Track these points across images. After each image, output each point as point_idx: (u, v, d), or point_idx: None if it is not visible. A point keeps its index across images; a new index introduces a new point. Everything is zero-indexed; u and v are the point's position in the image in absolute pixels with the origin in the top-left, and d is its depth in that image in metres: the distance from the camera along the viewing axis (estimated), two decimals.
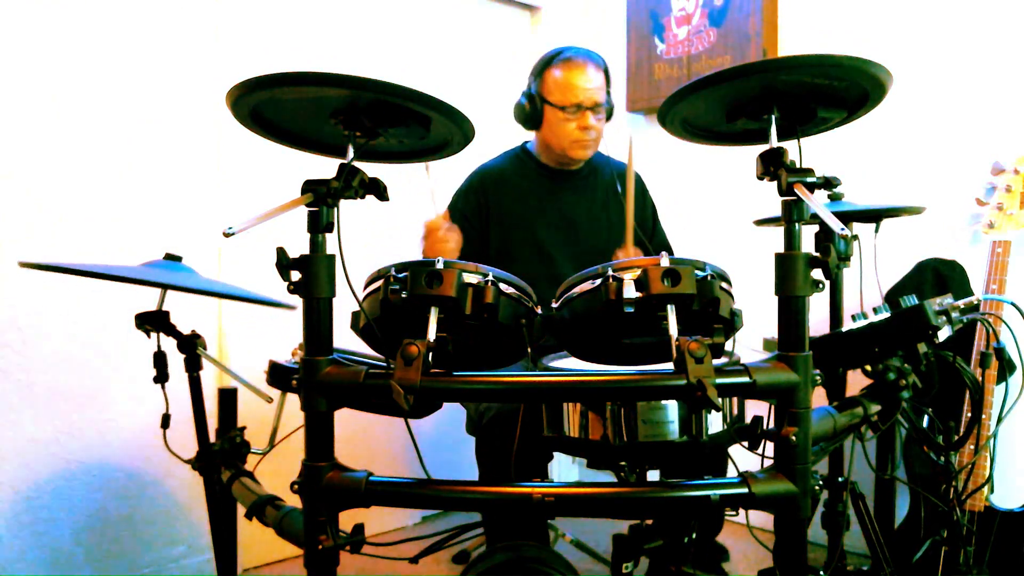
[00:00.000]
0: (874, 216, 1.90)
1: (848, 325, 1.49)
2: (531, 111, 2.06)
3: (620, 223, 2.14)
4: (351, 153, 1.24)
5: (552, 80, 2.03)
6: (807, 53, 1.15)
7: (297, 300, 1.22)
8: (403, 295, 1.17)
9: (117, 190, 2.14)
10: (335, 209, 1.20)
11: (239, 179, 2.36)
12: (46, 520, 2.03)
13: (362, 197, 1.23)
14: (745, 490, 1.16)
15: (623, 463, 1.34)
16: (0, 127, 1.96)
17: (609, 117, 2.09)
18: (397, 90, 1.14)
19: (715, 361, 1.15)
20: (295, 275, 1.19)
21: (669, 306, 1.14)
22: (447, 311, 1.17)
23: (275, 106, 1.23)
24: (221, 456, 1.56)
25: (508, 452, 1.58)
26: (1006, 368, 1.89)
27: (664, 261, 1.15)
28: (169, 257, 1.62)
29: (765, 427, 1.21)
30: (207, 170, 2.30)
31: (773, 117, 1.21)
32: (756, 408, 1.27)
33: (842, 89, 1.19)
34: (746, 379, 1.15)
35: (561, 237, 2.11)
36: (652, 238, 2.21)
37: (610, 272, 1.18)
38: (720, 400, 1.20)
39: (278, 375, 1.48)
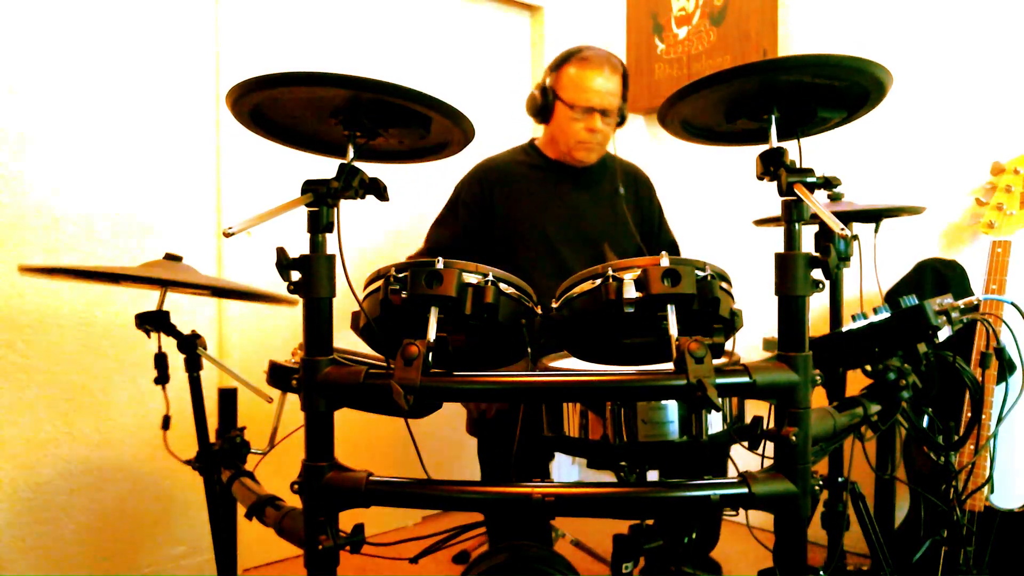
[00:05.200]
0: (874, 216, 1.90)
1: (848, 325, 1.49)
2: (542, 104, 2.06)
3: (625, 223, 2.15)
4: (351, 153, 1.24)
5: (567, 77, 2.02)
6: (807, 53, 1.15)
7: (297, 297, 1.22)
8: (403, 295, 1.17)
9: (117, 190, 2.14)
10: (335, 209, 1.20)
11: (239, 179, 2.36)
12: (46, 520, 2.03)
13: (362, 197, 1.23)
14: (745, 490, 1.16)
15: (623, 463, 1.34)
16: (0, 128, 1.96)
17: (622, 123, 2.09)
18: (397, 90, 1.14)
19: (715, 361, 1.15)
20: (295, 275, 1.19)
21: (669, 306, 1.14)
22: (447, 311, 1.17)
23: (275, 106, 1.23)
24: (221, 456, 1.56)
25: (510, 451, 1.58)
26: (1006, 368, 1.89)
27: (664, 261, 1.15)
28: (169, 257, 1.62)
29: (765, 427, 1.21)
30: (207, 170, 2.30)
31: (773, 117, 1.21)
32: (756, 408, 1.27)
33: (842, 89, 1.19)
34: (746, 379, 1.15)
35: (565, 229, 2.11)
36: (658, 238, 2.20)
37: (610, 272, 1.18)
38: (720, 400, 1.20)
39: (278, 375, 1.48)
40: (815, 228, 1.29)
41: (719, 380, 1.10)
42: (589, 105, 1.99)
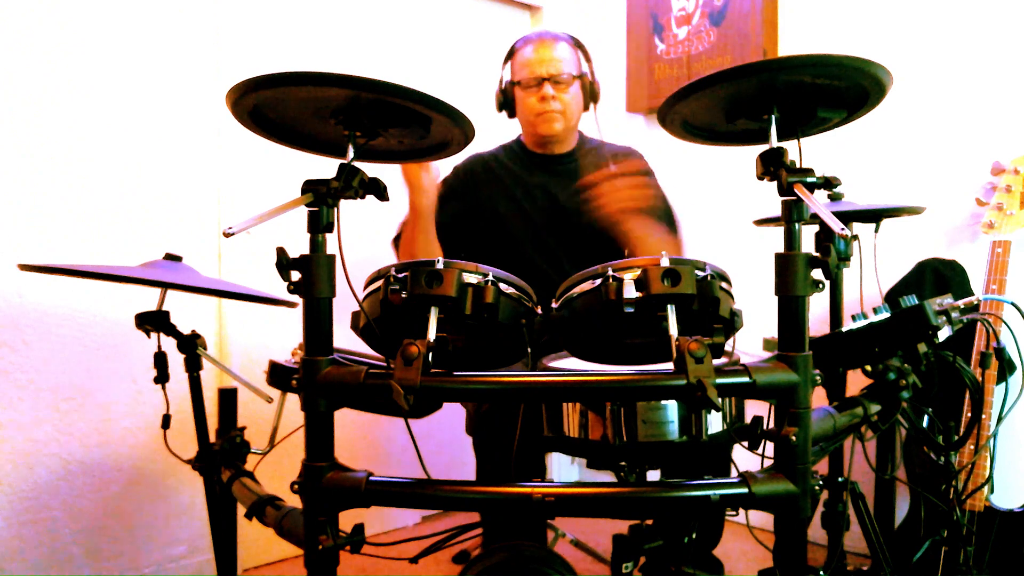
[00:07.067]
0: (874, 216, 1.90)
1: (848, 325, 1.49)
2: (504, 98, 2.13)
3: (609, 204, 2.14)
4: (351, 153, 1.24)
5: (515, 61, 2.09)
6: (807, 53, 1.15)
7: (297, 298, 1.23)
8: (403, 295, 1.17)
9: (117, 190, 2.14)
10: (335, 209, 1.20)
11: (239, 179, 2.36)
12: (46, 520, 2.03)
13: (362, 197, 1.23)
14: (745, 490, 1.16)
15: (623, 463, 1.34)
16: (0, 127, 1.96)
17: (592, 99, 2.10)
18: (397, 90, 1.14)
19: (715, 361, 1.15)
20: (295, 275, 1.19)
21: (669, 306, 1.14)
22: (447, 311, 1.17)
23: (275, 106, 1.23)
24: (221, 456, 1.56)
25: (505, 447, 1.58)
26: (1006, 368, 1.89)
27: (664, 261, 1.15)
28: (169, 257, 1.62)
29: (765, 427, 1.21)
30: (207, 170, 2.30)
31: (773, 117, 1.21)
32: (756, 408, 1.27)
33: (842, 89, 1.19)
34: (746, 379, 1.15)
35: (548, 219, 2.12)
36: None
37: (610, 272, 1.18)
38: (720, 400, 1.20)
39: (278, 375, 1.48)
40: (815, 228, 1.29)
41: (719, 380, 1.10)
42: (535, 75, 2.04)
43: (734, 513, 1.22)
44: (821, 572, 1.46)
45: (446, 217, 2.10)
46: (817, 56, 1.12)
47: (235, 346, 2.37)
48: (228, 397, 1.64)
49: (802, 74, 1.16)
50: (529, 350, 1.27)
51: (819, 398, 1.31)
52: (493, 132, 2.22)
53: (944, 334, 1.40)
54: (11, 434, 1.98)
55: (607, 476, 1.37)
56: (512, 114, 2.15)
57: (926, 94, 2.30)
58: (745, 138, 1.36)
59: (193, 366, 1.61)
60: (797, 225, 1.17)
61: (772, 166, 1.18)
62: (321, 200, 1.18)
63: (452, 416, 2.08)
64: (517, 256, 2.06)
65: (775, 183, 1.17)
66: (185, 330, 1.61)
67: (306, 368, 1.20)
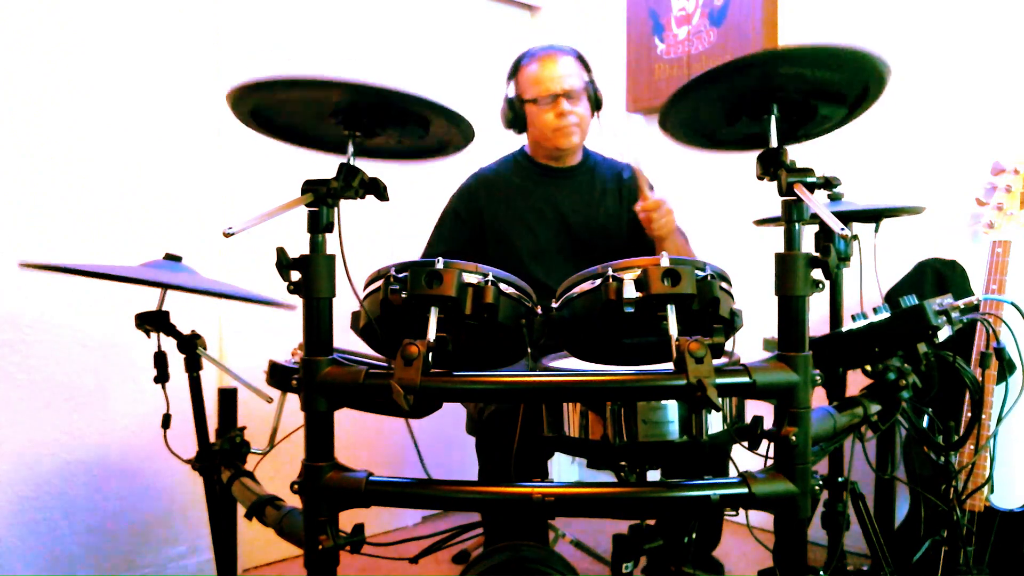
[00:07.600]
0: (874, 216, 1.90)
1: (848, 325, 1.49)
2: (513, 115, 2.12)
3: (615, 219, 2.15)
4: (351, 152, 1.24)
5: (524, 79, 2.09)
6: (805, 44, 1.15)
7: (297, 300, 1.23)
8: (403, 295, 1.17)
9: (117, 190, 2.14)
10: (335, 209, 1.20)
11: (239, 179, 2.36)
12: (46, 520, 2.03)
13: (362, 197, 1.23)
14: (745, 490, 1.16)
15: (623, 463, 1.34)
16: (0, 127, 1.96)
17: (597, 107, 2.11)
18: (393, 94, 1.14)
19: (715, 361, 1.15)
20: (295, 275, 1.19)
21: (669, 306, 1.14)
22: (447, 311, 1.17)
23: (275, 107, 1.23)
24: (221, 456, 1.56)
25: (508, 448, 1.58)
26: (1006, 368, 1.89)
27: (664, 261, 1.15)
28: (169, 257, 1.62)
29: (765, 427, 1.21)
30: (207, 170, 2.30)
31: (772, 117, 1.21)
32: (756, 408, 1.27)
33: (842, 83, 1.19)
34: (746, 379, 1.15)
35: (554, 231, 2.13)
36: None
37: (610, 272, 1.19)
38: (720, 400, 1.20)
39: (278, 375, 1.48)
40: (815, 228, 1.29)
41: (719, 380, 1.10)
42: (551, 92, 2.04)
43: (734, 513, 1.22)
44: (821, 572, 1.46)
45: (455, 242, 2.11)
46: (815, 47, 1.12)
47: (235, 346, 2.36)
48: (228, 397, 1.64)
49: (801, 66, 1.15)
50: (529, 350, 1.27)
51: (819, 398, 1.31)
52: (492, 132, 2.23)
53: (944, 334, 1.40)
54: (11, 434, 1.98)
55: (607, 476, 1.37)
56: (521, 130, 2.15)
57: (926, 94, 2.30)
58: (747, 143, 1.36)
59: (193, 366, 1.61)
60: (797, 225, 1.17)
61: (772, 166, 1.18)
62: (321, 200, 1.18)
63: (452, 416, 2.08)
64: (521, 273, 2.05)
65: (775, 183, 1.17)
66: (185, 330, 1.61)
67: (306, 368, 1.20)
